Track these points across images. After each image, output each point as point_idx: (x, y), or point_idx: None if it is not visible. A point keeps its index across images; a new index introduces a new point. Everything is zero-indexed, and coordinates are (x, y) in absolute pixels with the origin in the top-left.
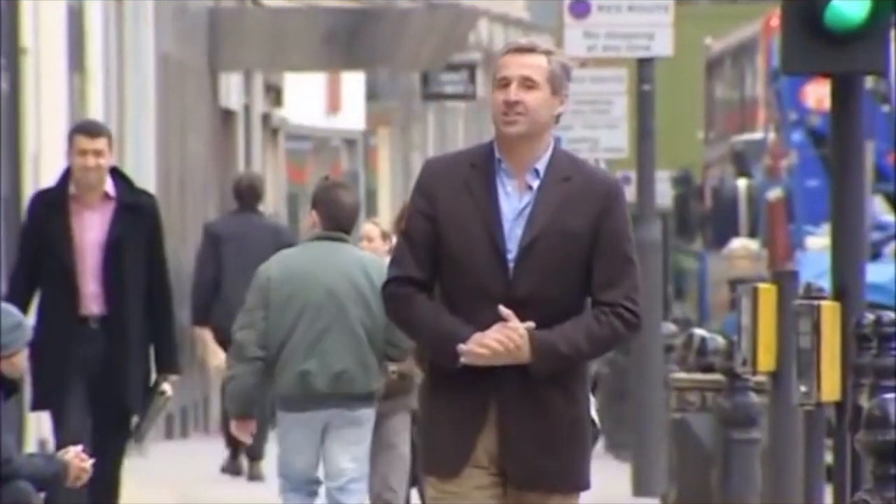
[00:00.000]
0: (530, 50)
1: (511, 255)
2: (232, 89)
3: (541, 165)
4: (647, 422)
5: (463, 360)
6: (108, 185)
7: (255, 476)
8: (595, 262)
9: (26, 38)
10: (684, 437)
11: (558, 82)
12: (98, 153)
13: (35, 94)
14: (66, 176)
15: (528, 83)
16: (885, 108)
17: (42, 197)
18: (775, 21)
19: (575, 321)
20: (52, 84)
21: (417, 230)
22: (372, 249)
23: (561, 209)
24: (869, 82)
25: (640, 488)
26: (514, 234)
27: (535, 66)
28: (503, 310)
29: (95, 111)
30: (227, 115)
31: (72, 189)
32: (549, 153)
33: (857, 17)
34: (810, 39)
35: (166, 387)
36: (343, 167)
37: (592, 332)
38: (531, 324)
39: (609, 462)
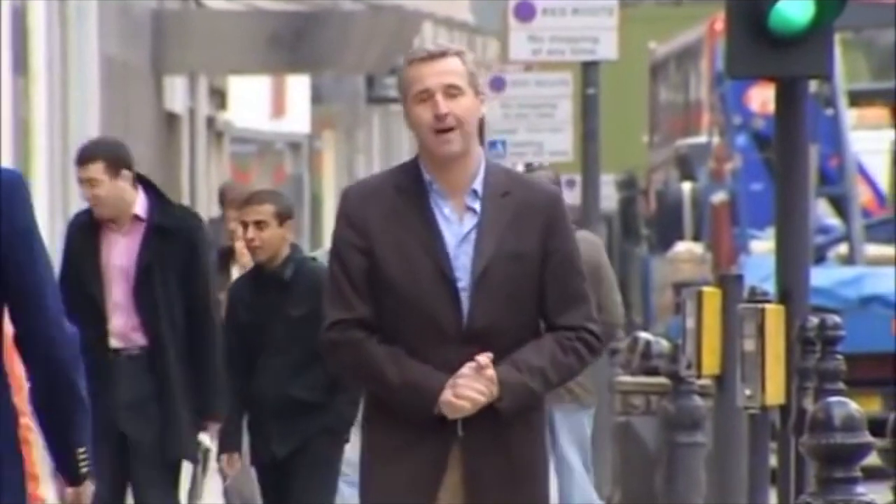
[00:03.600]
0: (443, 54)
1: (461, 285)
2: (176, 92)
3: (478, 185)
4: (592, 425)
5: (437, 411)
6: (139, 205)
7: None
8: (548, 282)
9: None
10: (628, 441)
11: (477, 82)
12: (91, 183)
13: None
14: None
15: (452, 91)
16: (829, 112)
17: (76, 218)
18: (719, 24)
19: (536, 349)
20: None
21: (352, 264)
22: None
23: (507, 229)
24: (813, 86)
25: None
26: (460, 262)
27: (454, 70)
28: (480, 358)
29: (39, 113)
30: (171, 118)
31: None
32: (482, 168)
33: (802, 21)
34: (755, 43)
35: (203, 437)
36: (288, 171)
37: (558, 361)
38: (490, 355)
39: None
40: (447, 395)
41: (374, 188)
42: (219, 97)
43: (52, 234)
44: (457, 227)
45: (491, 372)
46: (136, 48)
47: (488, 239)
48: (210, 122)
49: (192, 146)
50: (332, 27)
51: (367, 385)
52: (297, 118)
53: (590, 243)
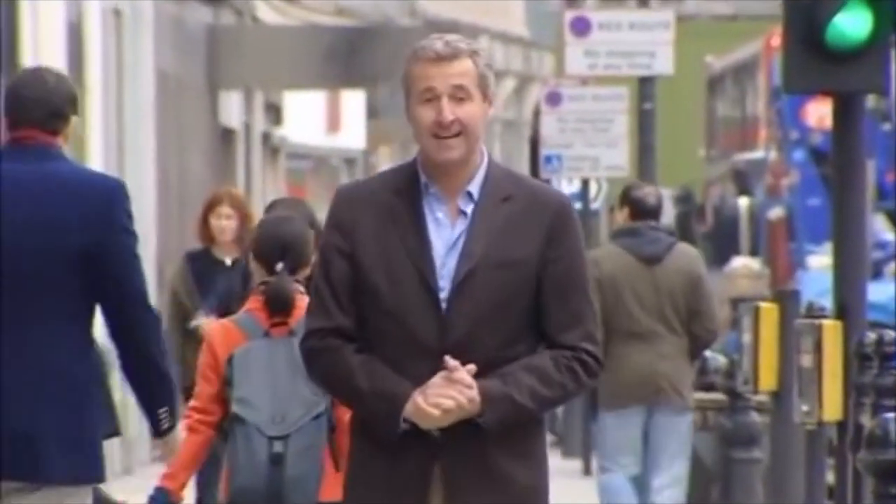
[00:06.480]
0: (454, 56)
1: (444, 294)
2: (232, 107)
3: (474, 187)
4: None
5: (405, 426)
6: None
7: None
8: (548, 296)
9: (25, 54)
10: None
11: (487, 84)
12: None
13: None
14: None
15: (459, 94)
16: (886, 127)
17: None
18: (776, 40)
19: (526, 363)
20: None
21: (336, 271)
22: None
23: (500, 236)
24: (870, 101)
25: None
26: (446, 270)
27: (464, 72)
28: (449, 361)
29: (94, 128)
30: (226, 134)
31: None
32: (483, 170)
33: (859, 36)
34: (811, 58)
35: None
36: None
37: (550, 378)
38: (472, 367)
39: None
40: (417, 399)
41: (368, 190)
42: (274, 112)
43: None
44: (448, 231)
45: (462, 374)
46: (192, 63)
47: (475, 244)
48: (265, 137)
49: (247, 161)
50: (387, 42)
51: (339, 395)
52: (353, 133)
53: (689, 256)
